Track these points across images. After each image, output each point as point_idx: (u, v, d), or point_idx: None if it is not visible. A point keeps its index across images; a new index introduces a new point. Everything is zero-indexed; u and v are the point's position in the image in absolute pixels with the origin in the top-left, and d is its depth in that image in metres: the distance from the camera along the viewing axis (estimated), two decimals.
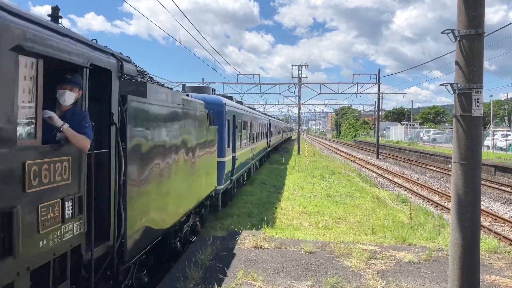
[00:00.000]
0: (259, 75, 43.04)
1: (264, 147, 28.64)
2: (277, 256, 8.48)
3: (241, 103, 20.23)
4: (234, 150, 14.66)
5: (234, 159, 14.62)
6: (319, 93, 44.60)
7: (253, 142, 20.78)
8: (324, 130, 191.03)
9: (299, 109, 47.31)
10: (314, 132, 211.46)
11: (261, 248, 8.98)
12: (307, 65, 44.35)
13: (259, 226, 11.27)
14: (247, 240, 9.48)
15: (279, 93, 46.91)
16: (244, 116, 17.46)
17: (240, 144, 16.31)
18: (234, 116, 14.64)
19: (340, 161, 36.30)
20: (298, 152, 44.64)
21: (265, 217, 12.26)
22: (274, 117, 54.17)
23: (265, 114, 39.60)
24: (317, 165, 30.31)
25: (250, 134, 19.72)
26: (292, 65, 44.57)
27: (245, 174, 19.16)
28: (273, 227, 11.43)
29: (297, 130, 51.36)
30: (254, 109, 28.74)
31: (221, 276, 7.20)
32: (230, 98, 17.09)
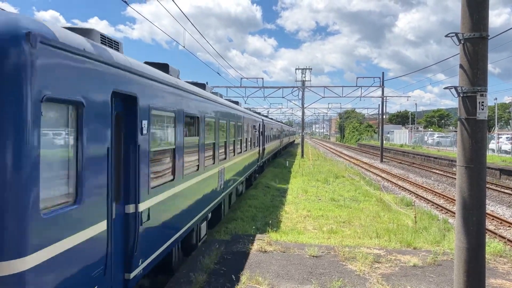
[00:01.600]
0: (262, 79, 43.13)
1: (254, 160, 20.18)
2: (282, 259, 8.47)
3: (202, 86, 10.28)
4: (134, 197, 5.52)
5: (136, 222, 5.47)
6: (322, 97, 44.61)
7: (225, 158, 11.83)
8: (328, 134, 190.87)
9: (303, 112, 47.31)
10: (318, 136, 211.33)
11: (266, 252, 8.98)
12: (311, 69, 44.41)
13: (263, 230, 11.26)
14: (251, 244, 9.48)
15: (282, 97, 47.00)
16: (188, 104, 7.99)
17: (174, 173, 7.11)
18: (133, 99, 5.51)
19: (344, 165, 36.23)
20: (302, 155, 44.61)
21: (269, 221, 12.26)
22: (271, 118, 42.97)
23: (258, 113, 29.29)
24: (321, 169, 30.27)
25: (220, 143, 11.18)
26: (296, 69, 44.65)
27: (206, 222, 9.92)
28: (277, 231, 11.42)
29: (300, 134, 51.34)
30: (237, 103, 17.37)
31: (225, 280, 7.20)
32: (164, 66, 7.53)
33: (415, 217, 12.64)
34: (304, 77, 43.94)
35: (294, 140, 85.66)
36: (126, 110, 5.34)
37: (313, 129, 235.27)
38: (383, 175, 31.34)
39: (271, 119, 40.93)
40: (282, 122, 57.17)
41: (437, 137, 60.07)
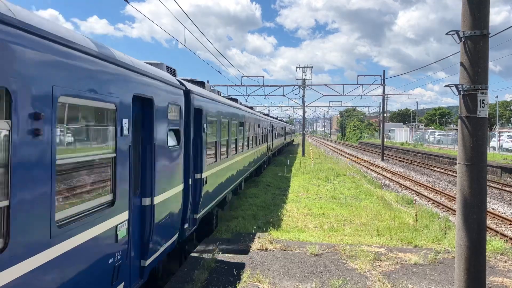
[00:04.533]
0: (263, 77, 43.09)
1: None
2: (283, 258, 8.48)
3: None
4: None
5: None
6: (323, 95, 44.58)
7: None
8: (329, 132, 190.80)
9: (304, 111, 47.29)
10: (319, 134, 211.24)
11: (267, 250, 8.99)
12: (311, 67, 44.37)
13: (264, 228, 11.28)
14: (252, 242, 9.49)
15: (283, 95, 47.04)
16: None
17: None
18: None
19: (345, 163, 36.23)
20: (303, 154, 44.62)
21: (270, 219, 12.27)
22: (246, 108, 19.25)
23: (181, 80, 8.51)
24: (322, 167, 30.28)
25: None
26: (297, 67, 44.63)
27: None
28: (278, 229, 11.43)
29: (301, 132, 51.32)
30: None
31: (227, 278, 7.21)
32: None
33: (416, 215, 12.65)
34: (305, 75, 43.93)
35: (292, 140, 79.40)
36: None
37: (314, 127, 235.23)
38: (384, 173, 31.33)
39: (246, 106, 21.00)
40: (267, 115, 35.27)
41: (438, 135, 60.05)
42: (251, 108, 21.96)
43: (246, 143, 16.76)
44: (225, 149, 12.02)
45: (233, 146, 13.45)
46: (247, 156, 17.02)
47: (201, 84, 9.46)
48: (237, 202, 15.64)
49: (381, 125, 49.82)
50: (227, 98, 15.04)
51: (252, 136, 18.88)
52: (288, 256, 8.57)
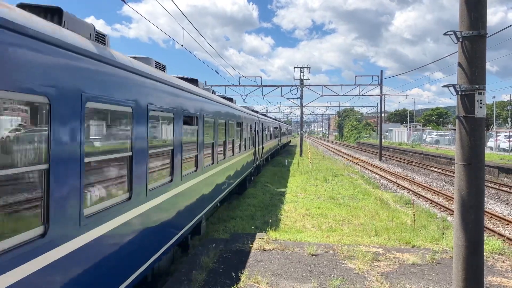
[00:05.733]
0: (261, 77, 43.05)
1: None
2: (281, 258, 8.47)
3: None
4: None
5: None
6: (321, 95, 44.61)
7: None
8: (327, 132, 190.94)
9: (302, 111, 47.30)
10: (317, 134, 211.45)
11: (265, 250, 8.98)
12: (309, 67, 44.42)
13: (263, 229, 11.26)
14: (250, 243, 9.48)
15: (281, 95, 47.02)
16: None
17: None
18: None
19: (343, 163, 36.26)
20: (301, 154, 44.63)
21: (268, 220, 12.26)
22: (215, 96, 12.08)
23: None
24: (319, 167, 30.28)
25: None
26: (295, 67, 44.66)
27: None
28: (276, 230, 11.42)
29: (299, 132, 51.36)
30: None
31: (225, 278, 7.20)
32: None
33: (414, 215, 12.66)
34: (303, 75, 43.97)
35: (289, 141, 75.61)
36: None
37: (312, 127, 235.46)
38: (381, 173, 31.36)
39: (224, 98, 15.10)
40: (256, 111, 28.53)
41: (436, 135, 60.17)
42: (230, 100, 15.98)
43: (211, 154, 10.79)
44: (141, 171, 5.74)
45: (176, 162, 7.44)
46: (211, 176, 10.59)
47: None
48: (235, 202, 15.63)
49: (378, 126, 49.90)
50: (183, 79, 9.08)
51: (225, 141, 12.77)
52: (286, 257, 8.57)
